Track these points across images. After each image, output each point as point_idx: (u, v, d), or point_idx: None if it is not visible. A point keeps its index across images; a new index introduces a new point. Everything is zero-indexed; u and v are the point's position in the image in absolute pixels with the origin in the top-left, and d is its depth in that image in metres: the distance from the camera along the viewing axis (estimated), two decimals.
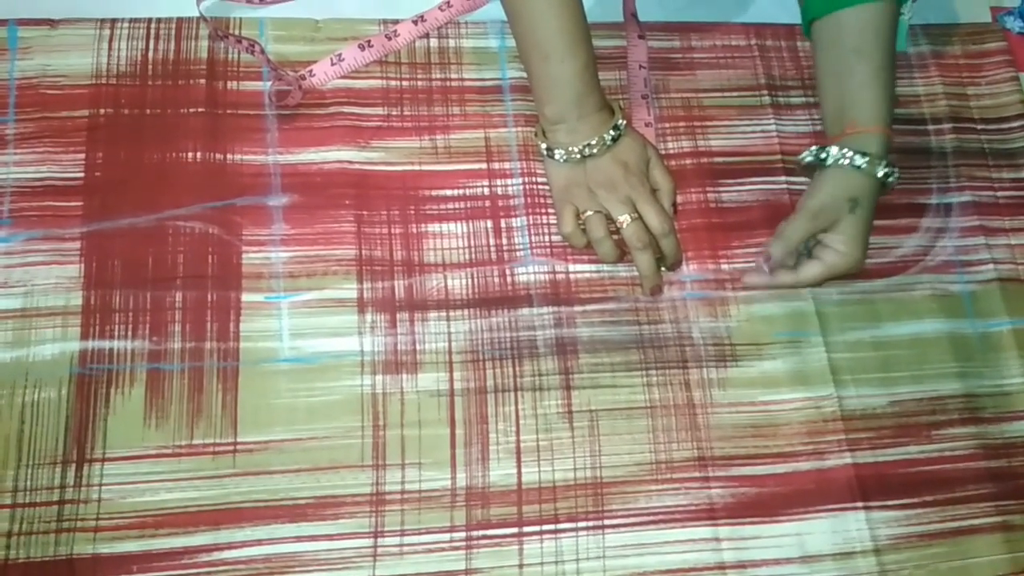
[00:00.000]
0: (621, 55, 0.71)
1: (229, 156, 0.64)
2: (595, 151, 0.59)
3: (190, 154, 0.64)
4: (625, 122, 0.60)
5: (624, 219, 0.59)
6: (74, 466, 0.55)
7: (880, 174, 0.56)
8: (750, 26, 0.74)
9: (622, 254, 0.60)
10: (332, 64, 0.67)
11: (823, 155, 0.57)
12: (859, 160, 0.56)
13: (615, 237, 0.60)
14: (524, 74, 0.61)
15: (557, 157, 0.60)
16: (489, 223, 0.65)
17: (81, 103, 0.64)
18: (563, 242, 0.64)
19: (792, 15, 0.73)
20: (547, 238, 0.65)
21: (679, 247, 0.60)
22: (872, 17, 0.58)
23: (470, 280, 0.63)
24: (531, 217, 0.65)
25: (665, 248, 0.60)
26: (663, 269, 0.62)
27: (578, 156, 0.59)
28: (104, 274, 0.60)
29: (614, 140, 0.59)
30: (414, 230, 0.64)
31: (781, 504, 0.59)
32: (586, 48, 0.59)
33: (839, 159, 0.56)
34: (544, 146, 0.61)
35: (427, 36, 0.70)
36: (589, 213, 0.59)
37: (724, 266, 0.65)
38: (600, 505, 0.58)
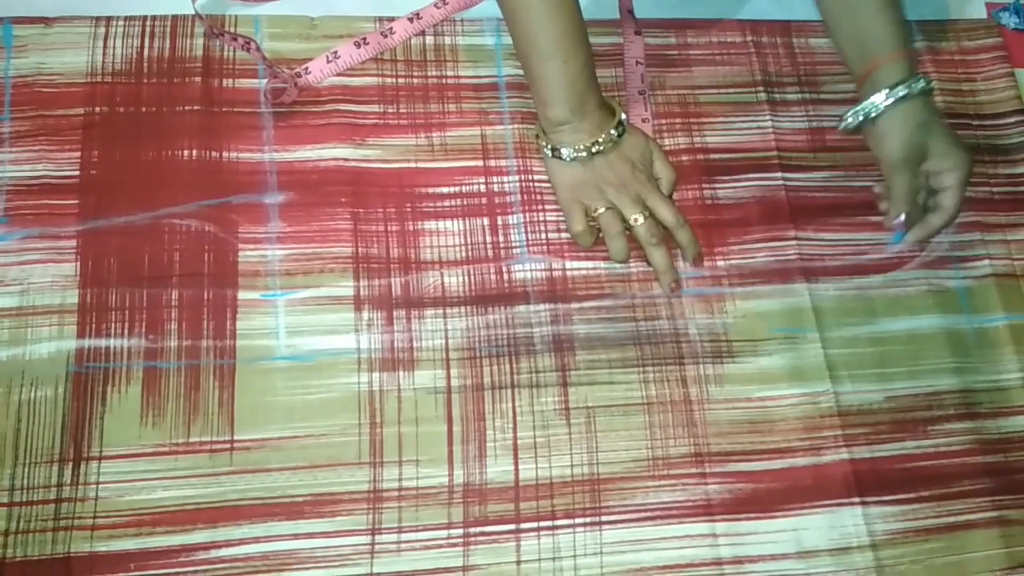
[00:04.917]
0: (617, 52, 0.71)
1: (225, 154, 0.64)
2: (603, 148, 0.59)
3: (186, 152, 0.64)
4: (627, 117, 0.60)
5: (637, 217, 0.59)
6: (71, 464, 0.55)
7: (924, 88, 0.60)
8: (746, 23, 0.74)
9: (630, 253, 0.61)
10: (328, 61, 0.67)
11: (872, 112, 0.61)
12: (902, 91, 0.59)
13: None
14: (520, 71, 0.61)
15: (565, 156, 0.60)
16: (485, 220, 0.65)
17: (76, 101, 0.64)
18: (560, 239, 0.64)
19: (788, 11, 0.74)
20: (544, 235, 0.65)
21: (695, 237, 0.61)
22: None
23: (467, 277, 0.63)
24: (527, 214, 0.65)
25: (681, 240, 0.60)
26: (686, 264, 0.62)
27: (586, 154, 0.59)
28: (100, 272, 0.60)
29: (619, 136, 0.59)
30: (410, 227, 0.64)
31: (778, 500, 0.60)
32: (586, 47, 0.59)
33: (888, 105, 0.60)
34: (548, 147, 0.60)
35: (423, 33, 0.70)
36: (601, 210, 0.59)
37: (720, 263, 0.65)
38: (597, 501, 0.58)
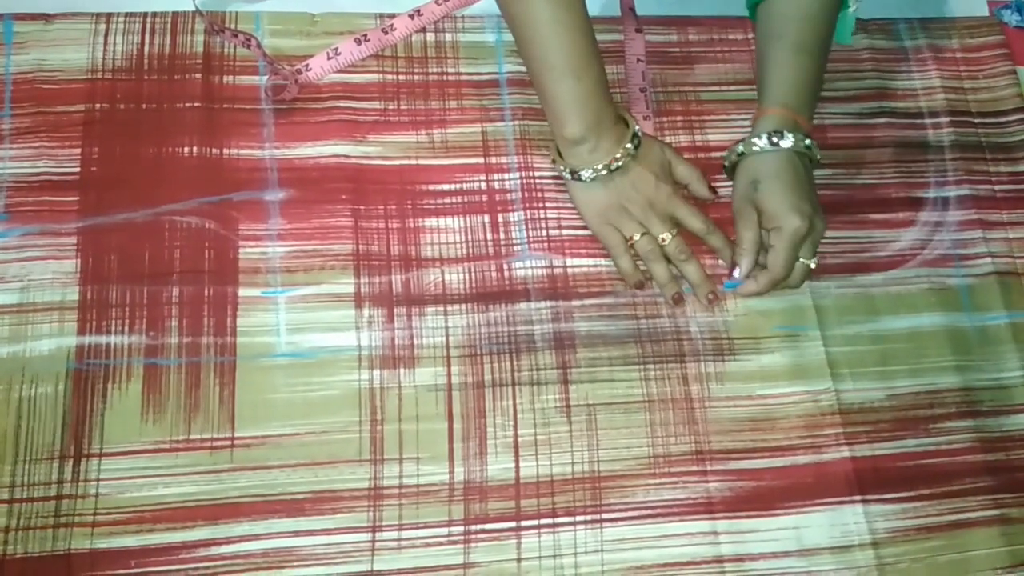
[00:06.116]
0: (618, 49, 0.71)
1: (225, 151, 0.64)
2: (621, 163, 0.59)
3: (186, 149, 0.64)
4: (640, 127, 0.60)
5: (666, 236, 0.59)
6: (71, 461, 0.55)
7: (759, 146, 0.59)
8: (747, 19, 0.74)
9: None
10: (328, 58, 0.67)
11: (729, 157, 0.61)
12: (740, 148, 0.60)
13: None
14: (521, 68, 0.61)
15: (584, 177, 0.59)
16: (486, 217, 0.65)
17: (77, 98, 0.64)
18: (560, 236, 0.64)
19: None
20: (544, 232, 0.65)
21: (727, 239, 0.60)
22: (801, 2, 0.59)
23: (467, 275, 0.63)
24: (528, 211, 0.65)
25: (715, 244, 0.60)
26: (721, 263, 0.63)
27: (605, 172, 0.58)
28: (100, 269, 0.60)
29: (636, 147, 0.59)
30: (411, 224, 0.64)
31: (779, 498, 0.59)
32: (598, 62, 0.58)
33: (731, 159, 0.61)
34: (567, 170, 0.59)
35: (424, 30, 0.70)
36: (637, 237, 0.59)
37: (722, 261, 0.65)
38: (598, 499, 0.58)
